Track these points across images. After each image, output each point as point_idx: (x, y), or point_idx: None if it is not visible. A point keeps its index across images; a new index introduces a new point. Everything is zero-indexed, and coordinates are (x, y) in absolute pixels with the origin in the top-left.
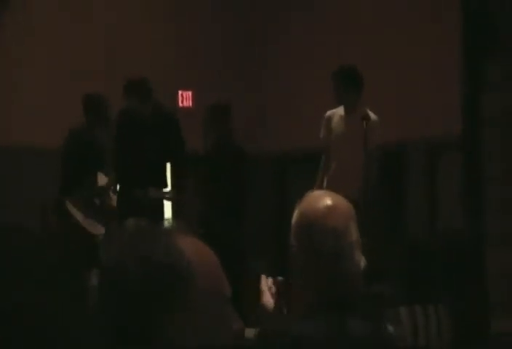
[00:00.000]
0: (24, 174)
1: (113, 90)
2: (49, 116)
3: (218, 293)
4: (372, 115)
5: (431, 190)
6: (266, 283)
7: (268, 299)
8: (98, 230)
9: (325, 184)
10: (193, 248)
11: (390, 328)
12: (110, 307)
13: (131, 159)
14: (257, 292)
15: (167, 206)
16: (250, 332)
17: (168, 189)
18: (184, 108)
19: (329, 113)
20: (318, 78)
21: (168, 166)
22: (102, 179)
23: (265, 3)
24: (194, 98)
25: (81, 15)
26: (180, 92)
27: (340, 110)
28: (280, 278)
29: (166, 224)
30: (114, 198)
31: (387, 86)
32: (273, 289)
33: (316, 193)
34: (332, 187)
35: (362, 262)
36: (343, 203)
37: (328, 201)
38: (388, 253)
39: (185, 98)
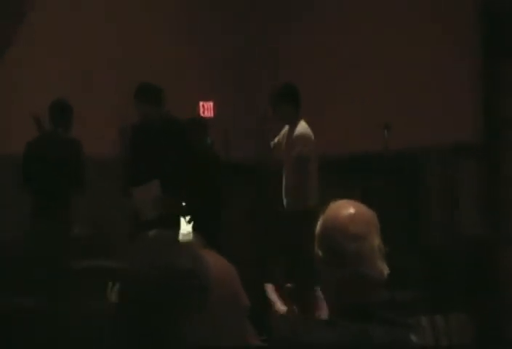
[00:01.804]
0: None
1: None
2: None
3: (235, 304)
4: (300, 128)
5: (448, 195)
6: (272, 292)
7: (279, 307)
8: None
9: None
10: (213, 260)
11: (413, 336)
12: (131, 311)
13: (139, 167)
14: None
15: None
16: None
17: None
18: (205, 119)
19: (275, 140)
20: (340, 86)
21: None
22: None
23: (280, 11)
24: (216, 109)
25: (99, 25)
26: (201, 103)
27: (284, 131)
28: (289, 284)
29: (188, 236)
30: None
31: (400, 91)
32: (276, 294)
33: (339, 201)
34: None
35: (385, 270)
36: (366, 211)
37: (350, 209)
38: (407, 261)
39: (207, 109)
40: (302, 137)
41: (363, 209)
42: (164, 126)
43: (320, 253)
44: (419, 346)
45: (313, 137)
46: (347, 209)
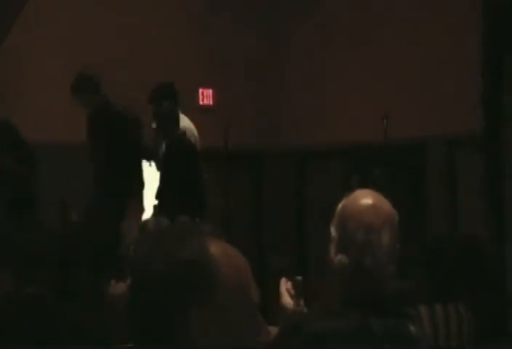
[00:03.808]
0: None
1: (133, 88)
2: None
3: (245, 298)
4: (184, 123)
5: (451, 187)
6: (285, 286)
7: (287, 300)
8: None
9: None
10: (221, 251)
11: (412, 327)
12: (137, 305)
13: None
14: (278, 293)
15: None
16: (272, 330)
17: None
18: (204, 106)
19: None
20: (341, 75)
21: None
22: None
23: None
24: (215, 96)
25: (101, 13)
26: (200, 90)
27: None
28: (298, 277)
29: (194, 225)
30: None
31: (407, 83)
32: (292, 291)
33: (365, 191)
34: None
35: (391, 267)
36: (386, 206)
37: (371, 201)
38: (407, 251)
39: (206, 96)
40: (184, 130)
41: (385, 204)
42: (102, 113)
43: (333, 233)
44: (417, 337)
45: (195, 131)
46: (368, 199)
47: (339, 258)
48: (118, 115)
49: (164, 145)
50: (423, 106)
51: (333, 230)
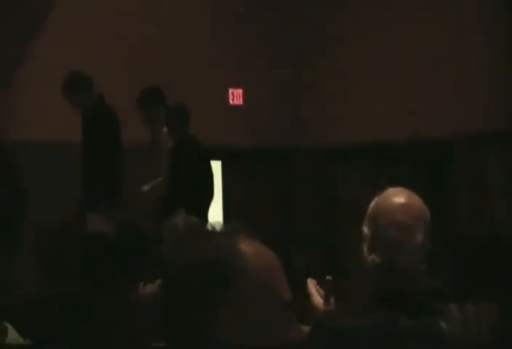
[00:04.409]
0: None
1: (166, 89)
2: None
3: (274, 296)
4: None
5: (479, 183)
6: (313, 286)
7: (317, 300)
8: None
9: None
10: (252, 248)
11: (443, 324)
12: (167, 303)
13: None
14: (305, 294)
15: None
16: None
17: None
18: (234, 106)
19: None
20: (368, 74)
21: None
22: None
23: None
24: (245, 96)
25: (124, 7)
26: (230, 90)
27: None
28: (328, 277)
29: (223, 224)
30: None
31: (434, 79)
32: (321, 291)
33: (398, 189)
34: None
35: (422, 267)
36: (419, 204)
37: (404, 199)
38: (435, 248)
39: (236, 96)
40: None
41: (417, 202)
42: (93, 112)
43: (365, 231)
44: (448, 334)
45: None
46: (400, 197)
47: (372, 257)
48: (110, 115)
49: (172, 144)
50: (450, 102)
51: (365, 229)
